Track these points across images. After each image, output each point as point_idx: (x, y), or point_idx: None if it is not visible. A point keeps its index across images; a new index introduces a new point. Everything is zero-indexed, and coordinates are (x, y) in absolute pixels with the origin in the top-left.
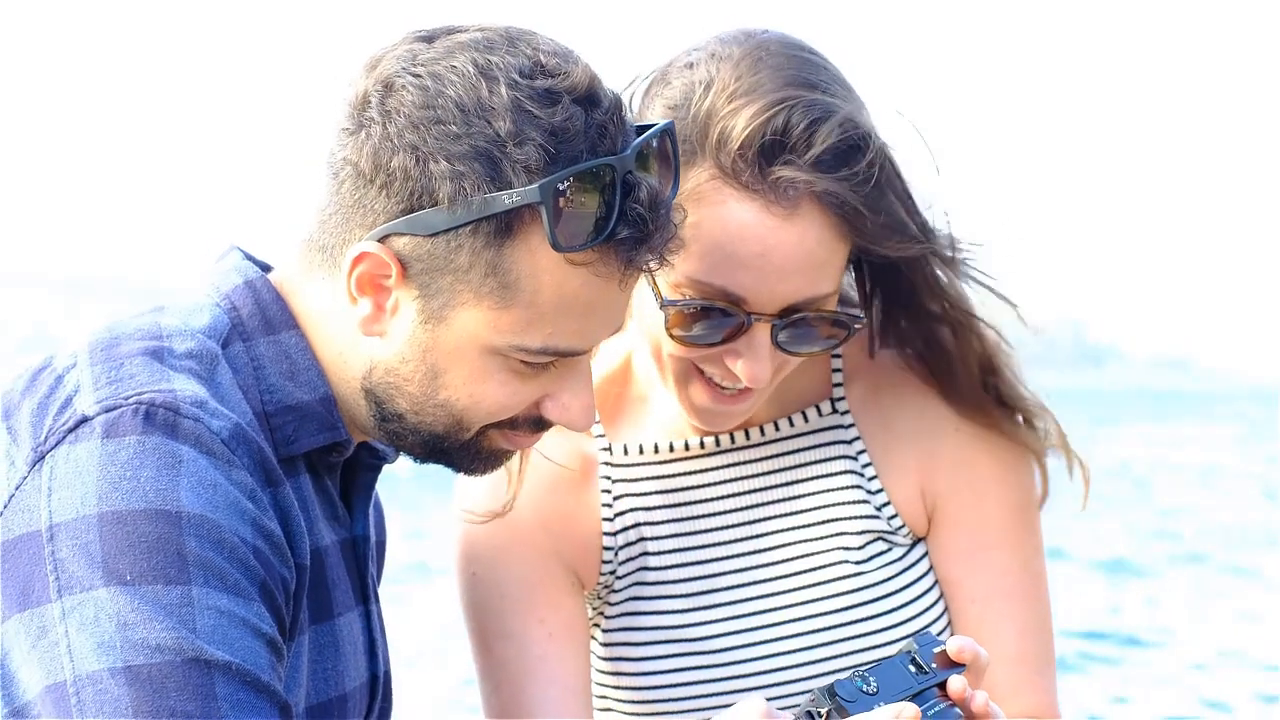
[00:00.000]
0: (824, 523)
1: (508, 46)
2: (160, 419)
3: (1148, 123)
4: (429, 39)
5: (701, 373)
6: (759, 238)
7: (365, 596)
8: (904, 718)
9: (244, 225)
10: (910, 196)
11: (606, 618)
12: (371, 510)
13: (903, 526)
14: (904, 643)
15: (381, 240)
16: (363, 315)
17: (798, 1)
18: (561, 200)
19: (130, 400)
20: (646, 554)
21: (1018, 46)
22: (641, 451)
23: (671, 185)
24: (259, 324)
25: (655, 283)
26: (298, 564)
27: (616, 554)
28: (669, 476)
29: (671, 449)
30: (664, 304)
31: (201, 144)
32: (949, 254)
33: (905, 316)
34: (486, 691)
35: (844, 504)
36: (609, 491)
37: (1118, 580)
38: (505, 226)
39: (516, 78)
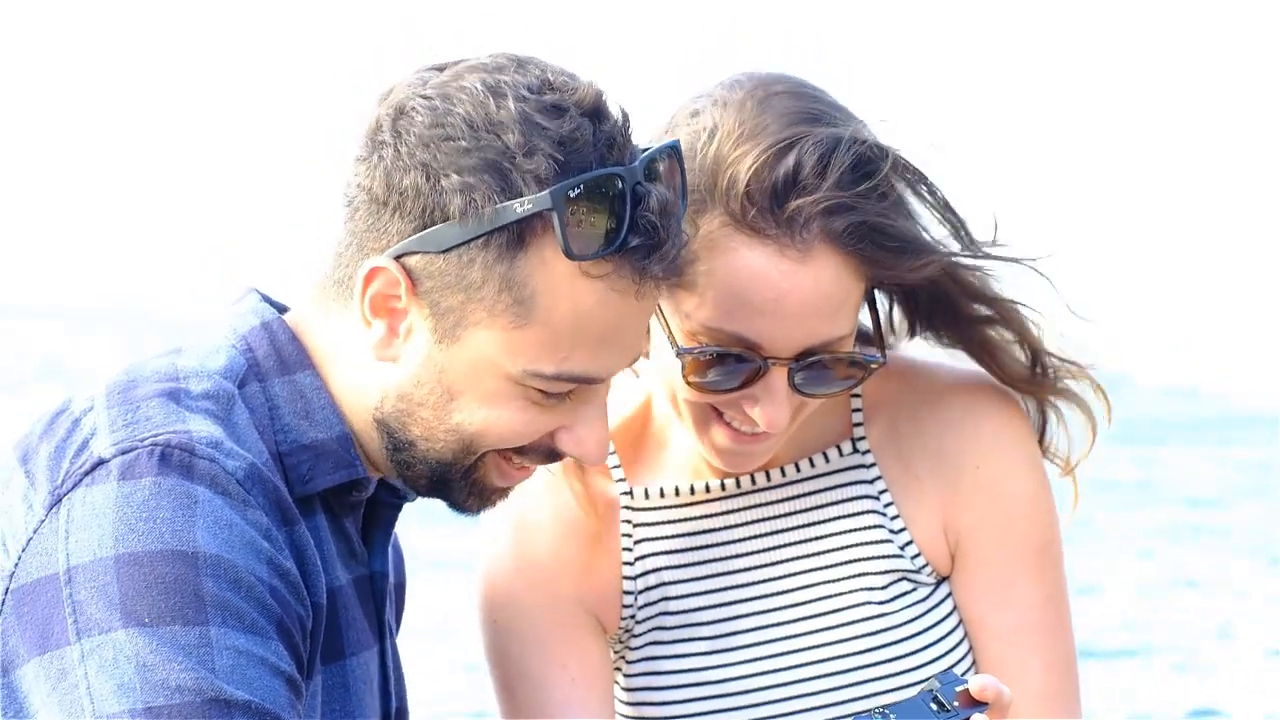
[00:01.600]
0: (847, 563)
1: (516, 67)
2: (176, 460)
3: (1154, 147)
4: (440, 68)
5: (721, 416)
6: (773, 283)
7: (381, 634)
8: None
9: (258, 257)
10: (938, 194)
11: (628, 661)
12: (391, 551)
13: (926, 565)
14: (926, 681)
15: (395, 259)
16: (376, 339)
17: (804, 17)
18: (573, 208)
19: (146, 442)
20: (667, 598)
21: (1035, 91)
22: (662, 495)
23: (680, 199)
24: (274, 364)
25: (671, 330)
26: (314, 603)
27: (636, 598)
28: (690, 519)
29: (692, 491)
30: (680, 352)
31: (217, 176)
32: (969, 259)
33: (948, 327)
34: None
35: (867, 544)
36: (629, 535)
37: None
38: (517, 238)
39: (525, 93)
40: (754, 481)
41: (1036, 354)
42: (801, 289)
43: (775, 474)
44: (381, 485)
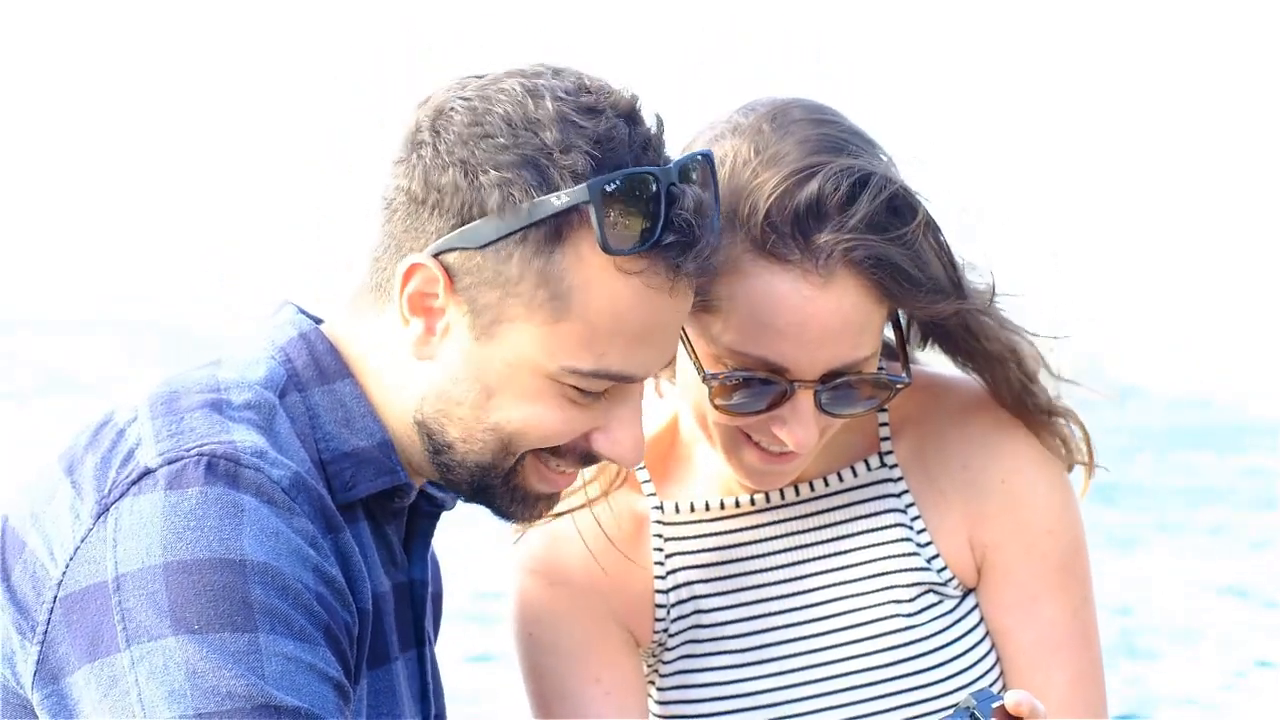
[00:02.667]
0: (874, 576)
1: (552, 73)
2: (222, 469)
3: (1161, 158)
4: (478, 76)
5: (749, 437)
6: (796, 307)
7: (419, 640)
8: None
9: (258, 259)
10: (948, 250)
11: (661, 675)
12: (433, 566)
13: (953, 578)
14: (962, 699)
15: (433, 256)
16: (414, 337)
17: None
18: (609, 202)
19: (192, 452)
20: (699, 611)
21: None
22: (692, 509)
23: (714, 201)
24: (314, 374)
25: (696, 355)
26: (359, 609)
27: (669, 611)
28: (719, 534)
29: (722, 506)
30: (706, 377)
31: (214, 179)
32: (984, 306)
33: (946, 350)
34: None
35: (894, 557)
36: (660, 549)
37: None
38: (554, 233)
39: (562, 94)
40: (782, 496)
41: (1025, 388)
42: (824, 313)
43: (804, 489)
44: (421, 494)
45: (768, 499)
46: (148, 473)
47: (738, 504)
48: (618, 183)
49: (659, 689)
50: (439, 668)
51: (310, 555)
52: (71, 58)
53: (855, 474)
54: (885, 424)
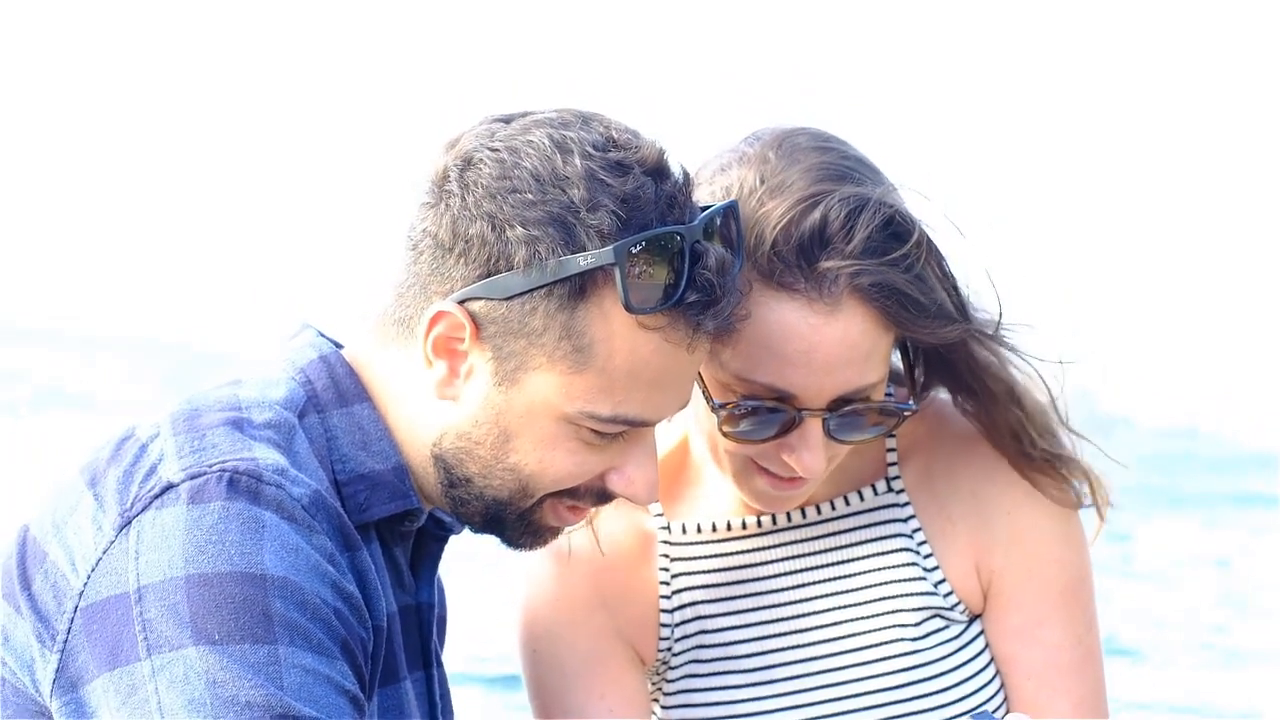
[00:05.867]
0: (880, 599)
1: (581, 124)
2: (244, 486)
3: (1157, 191)
4: (506, 120)
5: (758, 464)
6: (803, 335)
7: (427, 661)
8: None
9: (264, 279)
10: (951, 275)
11: (665, 694)
12: (438, 589)
13: (959, 604)
14: (960, 719)
15: (459, 304)
16: (438, 378)
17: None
18: (633, 262)
19: (214, 468)
20: (703, 632)
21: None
22: (699, 530)
23: (736, 257)
24: (333, 397)
25: (705, 384)
26: (375, 625)
27: (673, 630)
28: (725, 555)
29: (729, 527)
30: (715, 406)
31: (219, 198)
32: (989, 334)
33: (948, 387)
34: None
35: (900, 580)
36: (666, 569)
37: None
38: (579, 289)
39: (590, 150)
40: (789, 519)
41: (1022, 432)
42: (831, 341)
43: (810, 511)
44: (429, 518)
45: (774, 521)
46: (170, 487)
47: (744, 525)
48: (642, 244)
49: (662, 708)
50: (449, 688)
51: (329, 571)
52: (77, 69)
53: (862, 498)
54: (893, 449)
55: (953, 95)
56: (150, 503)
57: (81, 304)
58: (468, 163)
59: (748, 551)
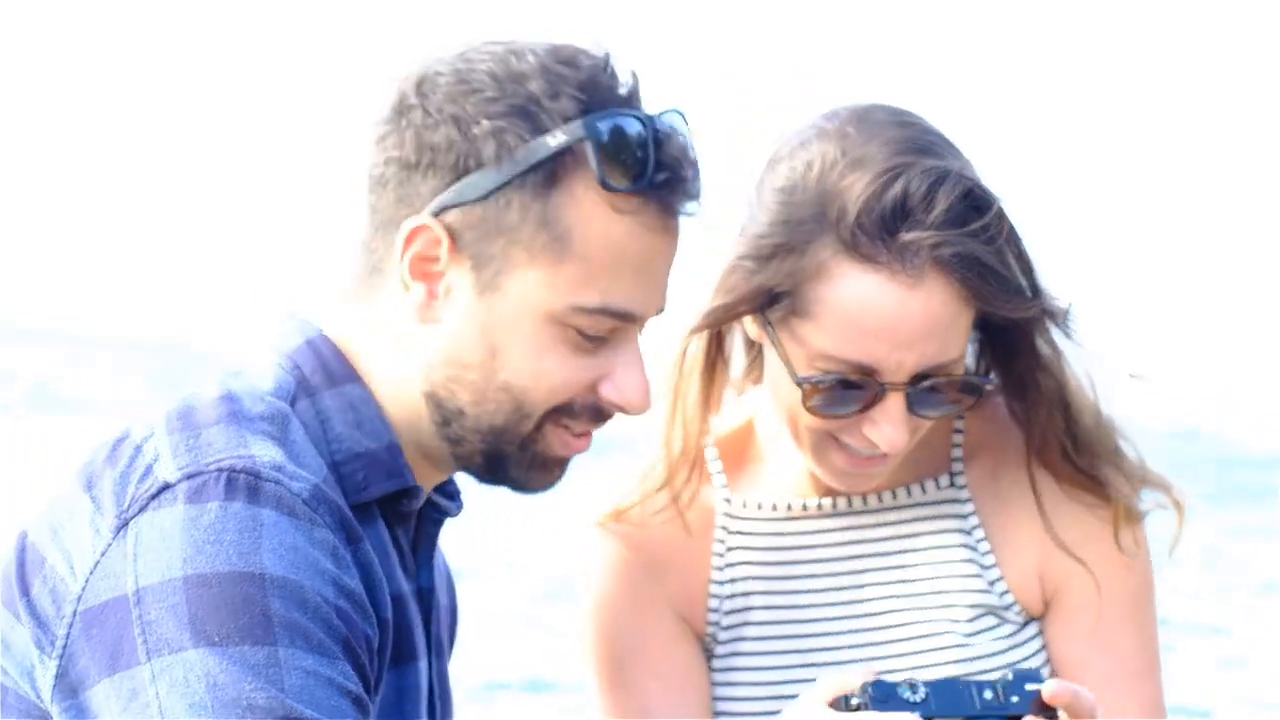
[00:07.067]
0: (933, 593)
1: (524, 38)
2: (242, 484)
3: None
4: (437, 53)
5: (838, 441)
6: (886, 309)
7: (429, 651)
8: None
9: (258, 279)
10: (1027, 254)
11: (713, 670)
12: (442, 577)
13: (1015, 604)
14: (1001, 674)
15: (434, 216)
16: (417, 302)
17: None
18: (603, 139)
19: (211, 467)
20: (751, 608)
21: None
22: (760, 508)
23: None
24: (322, 379)
25: (789, 359)
26: (380, 618)
27: (721, 604)
28: (783, 534)
29: (789, 508)
30: (799, 381)
31: (213, 199)
32: (1061, 321)
33: (1001, 380)
34: None
35: (955, 576)
36: (723, 543)
37: None
38: (550, 176)
39: (540, 51)
40: (850, 504)
41: (1062, 441)
42: (913, 314)
43: (872, 498)
44: (426, 501)
45: (835, 505)
46: (167, 487)
47: (805, 507)
48: (610, 122)
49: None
50: (449, 683)
51: (329, 569)
52: (70, 69)
53: (924, 490)
54: (959, 445)
55: (952, 96)
56: (147, 504)
57: (74, 304)
58: (422, 80)
59: (806, 533)
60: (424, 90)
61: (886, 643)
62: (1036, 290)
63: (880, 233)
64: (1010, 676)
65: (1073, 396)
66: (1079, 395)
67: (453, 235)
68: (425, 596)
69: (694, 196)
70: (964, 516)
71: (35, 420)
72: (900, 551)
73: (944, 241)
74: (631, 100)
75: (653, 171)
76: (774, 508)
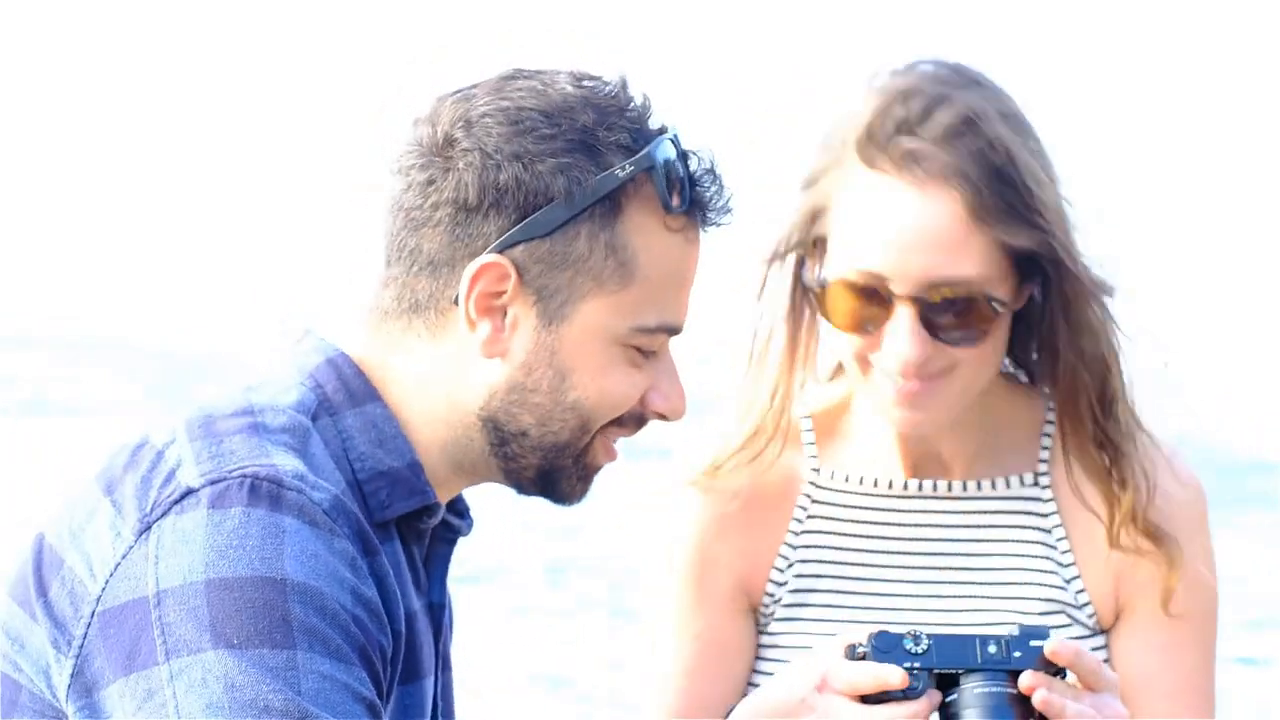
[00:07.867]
0: (1006, 584)
1: (536, 70)
2: (265, 491)
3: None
4: (464, 92)
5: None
6: (888, 212)
7: (436, 665)
8: (890, 682)
9: (253, 288)
10: (1038, 191)
11: (762, 645)
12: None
13: (1089, 604)
14: (1008, 628)
15: (500, 253)
16: (483, 339)
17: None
18: (660, 166)
19: (235, 474)
20: (820, 577)
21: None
22: (846, 480)
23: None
24: (344, 398)
25: (816, 275)
26: (394, 630)
27: (789, 568)
28: (864, 509)
29: (875, 484)
30: (823, 283)
31: (214, 201)
32: (1109, 291)
33: (1039, 350)
34: (651, 683)
35: (1030, 571)
36: (804, 509)
37: None
38: (615, 205)
39: (569, 84)
40: (935, 488)
41: (1095, 407)
42: (919, 220)
43: (956, 486)
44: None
45: (920, 487)
46: (190, 492)
47: (890, 484)
48: (661, 147)
49: (759, 660)
50: (452, 695)
51: (348, 578)
52: (66, 72)
53: (1008, 485)
54: (1047, 448)
55: None
56: (170, 508)
57: (71, 308)
58: (469, 124)
59: (886, 510)
60: (476, 134)
61: (949, 626)
62: (1045, 211)
63: (885, 142)
64: (1016, 631)
65: (1114, 362)
66: (1117, 365)
67: (519, 270)
68: (436, 612)
69: (731, 209)
70: (1044, 515)
71: (32, 424)
72: (976, 540)
73: (938, 153)
74: (657, 123)
75: (694, 190)
76: (860, 481)
